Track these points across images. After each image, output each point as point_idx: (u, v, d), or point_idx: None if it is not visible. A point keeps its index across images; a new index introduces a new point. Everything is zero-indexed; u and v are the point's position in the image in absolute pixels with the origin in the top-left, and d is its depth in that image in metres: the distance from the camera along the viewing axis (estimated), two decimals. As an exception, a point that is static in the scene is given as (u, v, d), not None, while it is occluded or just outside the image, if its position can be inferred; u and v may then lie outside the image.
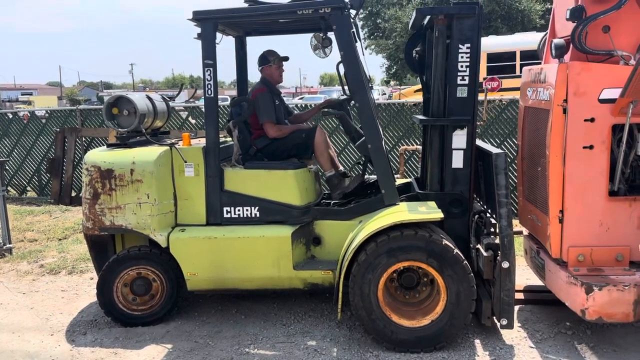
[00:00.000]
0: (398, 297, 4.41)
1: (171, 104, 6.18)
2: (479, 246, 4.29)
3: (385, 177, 4.50)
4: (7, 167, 10.20)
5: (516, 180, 6.51)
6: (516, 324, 4.53)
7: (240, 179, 4.66)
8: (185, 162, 4.61)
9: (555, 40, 4.00)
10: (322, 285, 4.56)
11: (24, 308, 5.29)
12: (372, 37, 37.35)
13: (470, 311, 4.11)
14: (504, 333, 4.41)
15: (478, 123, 7.56)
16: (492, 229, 4.40)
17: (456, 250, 4.07)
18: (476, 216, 4.48)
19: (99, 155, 4.69)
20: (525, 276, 5.45)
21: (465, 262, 4.08)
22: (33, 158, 10.65)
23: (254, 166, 4.73)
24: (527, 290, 5.07)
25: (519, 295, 4.93)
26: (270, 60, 5.09)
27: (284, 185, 4.65)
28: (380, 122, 8.40)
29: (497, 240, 4.13)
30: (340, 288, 4.21)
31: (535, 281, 4.94)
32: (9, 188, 10.50)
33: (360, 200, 4.74)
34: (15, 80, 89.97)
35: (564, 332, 4.41)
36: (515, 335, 4.39)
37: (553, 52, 3.97)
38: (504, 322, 4.07)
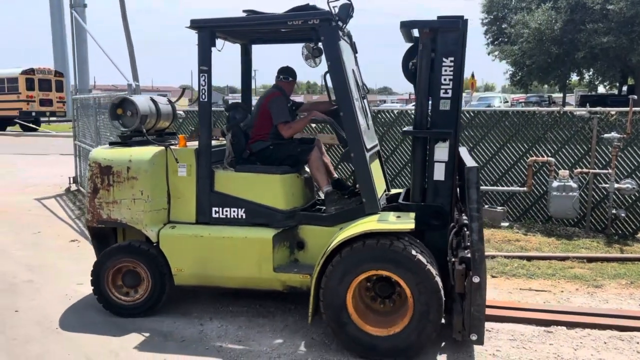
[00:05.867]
0: (370, 305, 4.46)
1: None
2: (454, 259, 4.30)
3: (367, 186, 4.57)
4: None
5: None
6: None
7: (230, 181, 4.86)
8: (178, 162, 4.85)
9: None
10: (300, 289, 4.67)
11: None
12: (495, 42, 36.42)
13: (437, 327, 4.13)
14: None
15: (622, 136, 7.49)
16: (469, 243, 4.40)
17: (428, 266, 4.08)
18: (454, 229, 4.48)
19: (100, 153, 5.01)
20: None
21: (436, 279, 4.09)
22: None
23: (244, 169, 4.91)
24: None
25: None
26: (294, 78, 5.36)
27: (270, 189, 4.81)
28: (507, 131, 8.41)
29: None
30: (312, 292, 4.33)
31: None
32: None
33: (343, 208, 4.83)
34: (153, 82, 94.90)
35: None
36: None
37: None
38: (474, 337, 4.04)
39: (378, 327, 4.27)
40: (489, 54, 36.12)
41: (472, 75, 27.69)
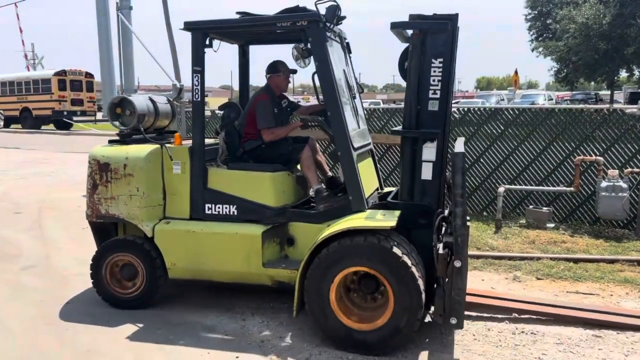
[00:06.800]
0: (355, 300, 4.50)
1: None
2: (439, 245, 4.30)
3: (353, 184, 4.60)
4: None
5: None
6: None
7: (223, 179, 4.96)
8: (172, 160, 4.99)
9: None
10: (288, 284, 4.73)
11: (204, 289, 5.61)
12: (540, 38, 35.63)
13: (414, 326, 4.16)
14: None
15: None
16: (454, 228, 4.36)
17: (412, 269, 4.10)
18: (440, 216, 4.47)
19: (99, 150, 5.19)
20: None
21: (419, 281, 4.10)
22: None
23: (237, 167, 5.01)
24: None
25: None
26: (280, 71, 5.35)
27: (261, 187, 4.89)
28: (553, 130, 8.31)
29: None
30: (297, 287, 4.40)
31: None
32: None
33: (332, 205, 4.87)
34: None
35: None
36: None
37: None
38: (453, 321, 4.06)
39: (360, 322, 4.32)
40: (533, 50, 35.35)
41: (516, 72, 27.10)
